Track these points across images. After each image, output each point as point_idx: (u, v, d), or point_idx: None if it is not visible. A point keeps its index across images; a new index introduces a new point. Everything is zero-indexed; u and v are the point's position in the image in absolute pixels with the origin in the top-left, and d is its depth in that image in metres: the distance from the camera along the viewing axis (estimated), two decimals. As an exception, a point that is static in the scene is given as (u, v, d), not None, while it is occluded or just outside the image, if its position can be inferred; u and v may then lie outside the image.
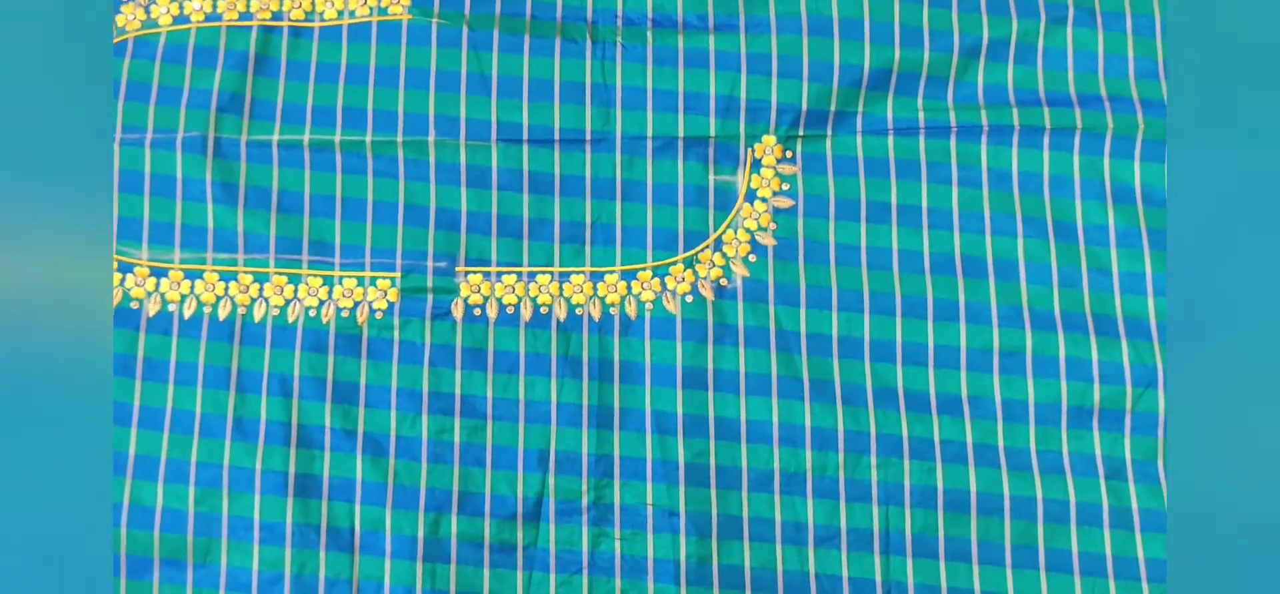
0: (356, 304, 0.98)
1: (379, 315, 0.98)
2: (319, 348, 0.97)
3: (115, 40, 1.02)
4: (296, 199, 1.00)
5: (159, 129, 1.00)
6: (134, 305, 0.97)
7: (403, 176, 1.00)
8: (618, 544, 0.94)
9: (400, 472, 0.95)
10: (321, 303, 0.98)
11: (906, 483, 0.95)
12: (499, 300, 0.99)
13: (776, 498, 0.95)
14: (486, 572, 0.94)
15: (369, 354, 0.97)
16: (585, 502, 0.95)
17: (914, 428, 0.96)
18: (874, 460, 0.95)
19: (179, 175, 1.00)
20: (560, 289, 0.99)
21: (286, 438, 0.95)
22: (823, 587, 0.93)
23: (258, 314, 0.98)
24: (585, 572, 0.94)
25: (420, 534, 0.94)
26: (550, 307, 0.99)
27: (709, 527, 0.94)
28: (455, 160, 1.01)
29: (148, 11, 1.03)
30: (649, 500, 0.95)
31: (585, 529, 0.94)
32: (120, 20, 1.03)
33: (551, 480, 0.95)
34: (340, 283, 0.98)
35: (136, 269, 0.98)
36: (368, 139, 1.01)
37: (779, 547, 0.94)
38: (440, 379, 0.97)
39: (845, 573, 0.94)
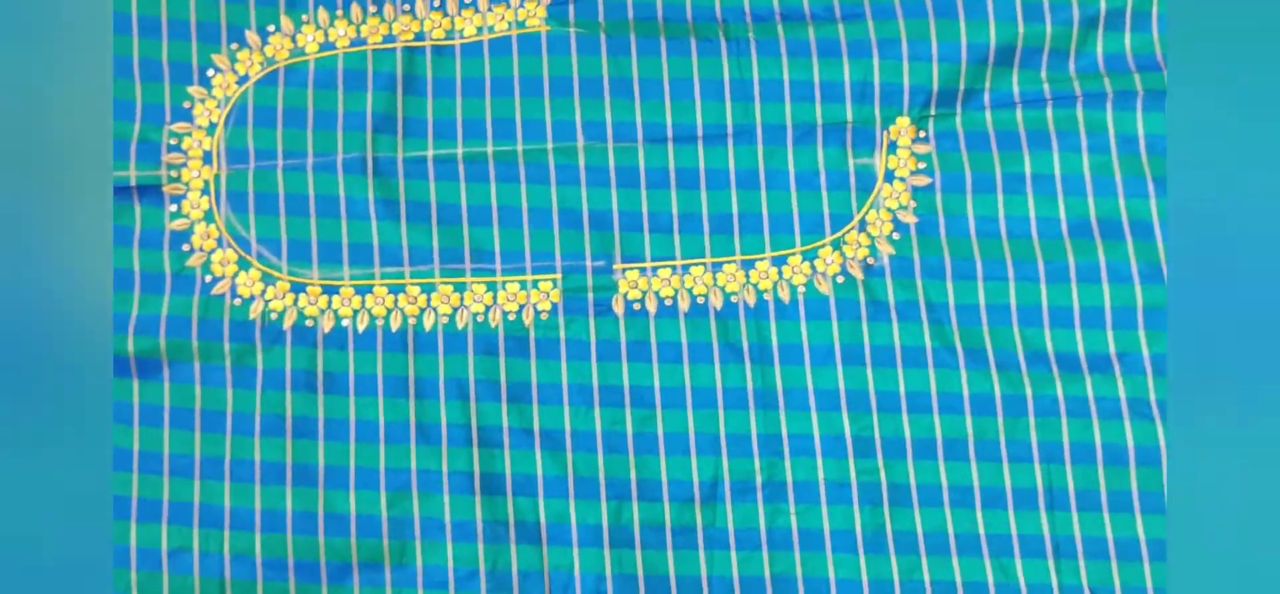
0: (521, 307, 1.02)
1: (544, 316, 1.01)
2: (490, 351, 1.01)
3: (266, 71, 1.06)
4: (454, 210, 1.03)
5: (319, 153, 1.04)
6: (309, 323, 1.01)
7: (554, 182, 1.04)
8: (793, 519, 0.98)
9: (578, 464, 0.99)
10: (488, 308, 1.02)
11: (1065, 441, 0.98)
12: (656, 294, 1.02)
13: (941, 464, 0.98)
14: (670, 554, 0.97)
15: (538, 354, 1.01)
16: (759, 480, 0.98)
17: (1068, 387, 0.99)
18: (1032, 421, 0.99)
19: (341, 195, 1.03)
20: (714, 279, 1.03)
21: (468, 439, 0.99)
22: (994, 547, 0.97)
23: (428, 323, 1.01)
24: (765, 548, 0.97)
25: (604, 522, 0.97)
26: (706, 296, 1.02)
27: (880, 496, 0.98)
28: (604, 163, 1.04)
29: (294, 40, 1.07)
30: (820, 475, 0.98)
31: (761, 506, 0.98)
32: (269, 50, 1.06)
33: (725, 462, 0.99)
34: (504, 287, 1.02)
35: (309, 289, 1.02)
36: (518, 148, 1.04)
37: (948, 510, 0.98)
38: (608, 373, 1.00)
39: (1014, 531, 0.97)
